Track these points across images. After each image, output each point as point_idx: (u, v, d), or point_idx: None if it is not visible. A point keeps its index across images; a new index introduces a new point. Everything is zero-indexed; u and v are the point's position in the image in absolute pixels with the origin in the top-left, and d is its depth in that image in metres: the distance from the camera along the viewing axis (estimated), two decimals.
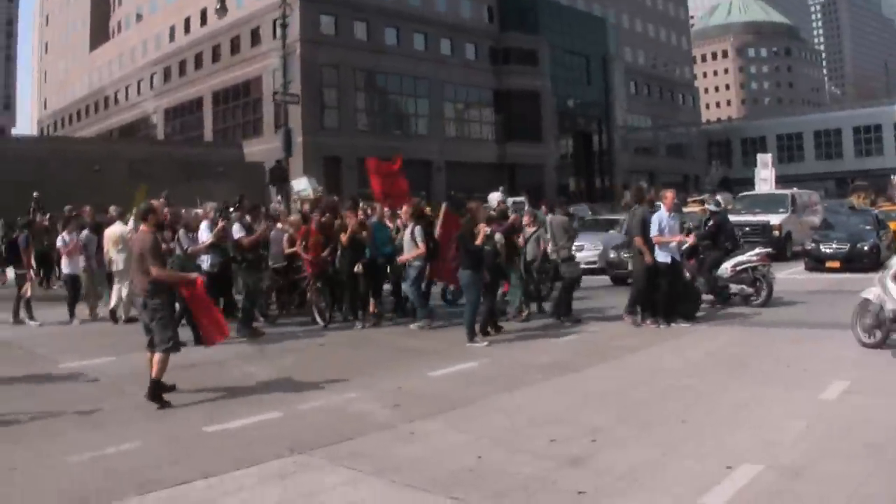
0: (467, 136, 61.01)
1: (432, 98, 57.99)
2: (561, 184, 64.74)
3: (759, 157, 38.34)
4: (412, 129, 57.40)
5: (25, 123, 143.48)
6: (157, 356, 8.30)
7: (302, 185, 24.70)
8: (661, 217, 12.71)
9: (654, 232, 12.58)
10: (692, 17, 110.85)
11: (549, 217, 15.00)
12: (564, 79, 66.49)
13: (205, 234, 13.19)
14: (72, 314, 15.15)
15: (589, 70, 71.08)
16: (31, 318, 15.28)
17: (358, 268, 13.50)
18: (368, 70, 54.16)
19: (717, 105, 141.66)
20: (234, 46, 57.04)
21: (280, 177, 27.95)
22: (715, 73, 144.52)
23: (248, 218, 13.80)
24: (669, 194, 13.19)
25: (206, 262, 13.04)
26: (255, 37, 54.75)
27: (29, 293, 15.47)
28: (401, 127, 56.73)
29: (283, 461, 6.35)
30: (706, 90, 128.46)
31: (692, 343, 11.40)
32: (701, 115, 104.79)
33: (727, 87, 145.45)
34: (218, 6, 32.33)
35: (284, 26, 30.69)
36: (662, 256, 12.60)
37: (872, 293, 10.09)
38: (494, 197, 17.06)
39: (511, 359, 10.66)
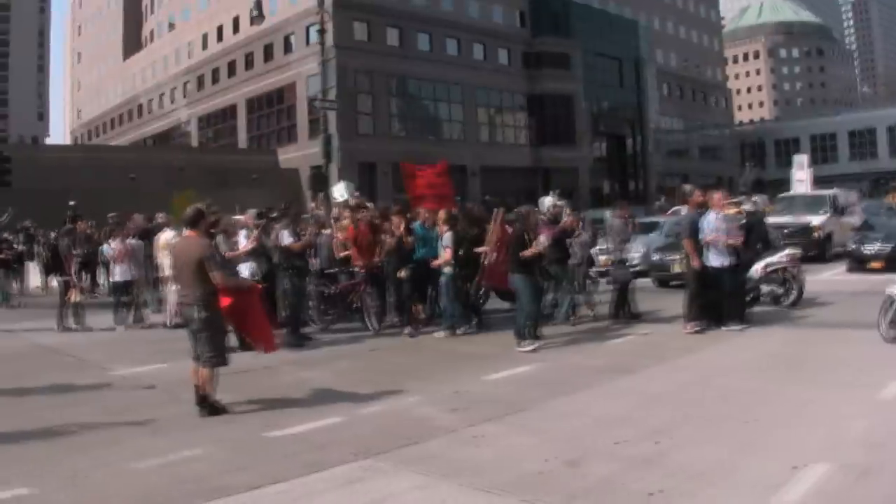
0: (501, 141, 60.88)
1: (465, 103, 57.92)
2: (594, 187, 64.37)
3: (795, 158, 37.80)
4: (446, 134, 57.31)
5: (58, 133, 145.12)
6: (204, 371, 7.99)
7: (340, 190, 24.58)
8: (709, 219, 12.40)
9: (705, 234, 12.29)
10: (723, 18, 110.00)
11: (607, 219, 14.85)
12: (597, 82, 66.10)
13: (243, 241, 13.18)
14: (119, 321, 15.25)
15: (621, 73, 70.67)
16: (81, 324, 15.44)
17: (402, 273, 13.31)
18: (401, 76, 54.21)
19: (750, 106, 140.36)
20: (268, 54, 57.26)
21: (320, 183, 27.81)
22: (747, 74, 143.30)
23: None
24: (717, 196, 12.86)
25: (246, 270, 12.76)
26: (288, 44, 55.04)
27: (74, 298, 15.57)
28: (434, 132, 56.65)
29: (351, 466, 6.30)
30: (738, 91, 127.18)
31: (745, 344, 11.26)
32: (733, 116, 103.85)
33: (759, 88, 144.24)
34: (254, 13, 32.22)
35: (323, 32, 30.56)
36: (714, 260, 12.28)
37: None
38: (547, 201, 16.69)
39: (565, 362, 10.59)
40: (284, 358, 11.07)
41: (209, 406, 7.99)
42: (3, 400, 9.05)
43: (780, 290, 14.53)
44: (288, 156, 53.43)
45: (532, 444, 6.75)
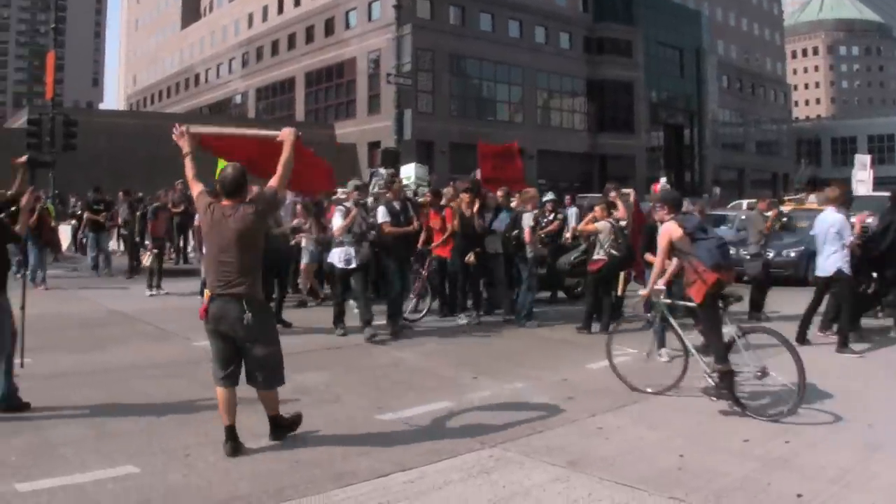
0: (559, 126, 60.31)
1: (525, 86, 57.46)
2: (650, 177, 63.64)
3: (857, 157, 36.82)
4: (504, 116, 56.87)
5: (111, 99, 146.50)
6: (268, 394, 6.12)
7: (409, 171, 23.87)
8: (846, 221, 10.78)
9: (846, 239, 10.61)
10: (783, 11, 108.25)
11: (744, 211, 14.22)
12: (657, 70, 65.32)
13: (339, 221, 11.16)
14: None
15: (682, 62, 69.68)
16: (156, 286, 15.54)
17: (470, 257, 12.24)
18: (462, 55, 53.81)
19: (807, 103, 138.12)
20: (328, 28, 57.22)
21: (392, 159, 27.50)
22: (805, 69, 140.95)
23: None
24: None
25: (339, 257, 11.18)
26: (350, 19, 54.88)
27: (145, 262, 15.62)
28: (493, 113, 56.25)
29: (478, 454, 6.04)
30: (795, 87, 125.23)
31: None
32: (791, 112, 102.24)
33: (817, 84, 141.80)
34: None
35: (399, 7, 30.32)
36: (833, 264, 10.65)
37: None
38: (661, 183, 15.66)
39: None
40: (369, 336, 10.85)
41: (287, 425, 6.36)
42: (95, 369, 8.75)
43: None
44: (345, 130, 53.38)
45: (660, 438, 6.54)
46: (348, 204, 11.35)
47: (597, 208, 12.25)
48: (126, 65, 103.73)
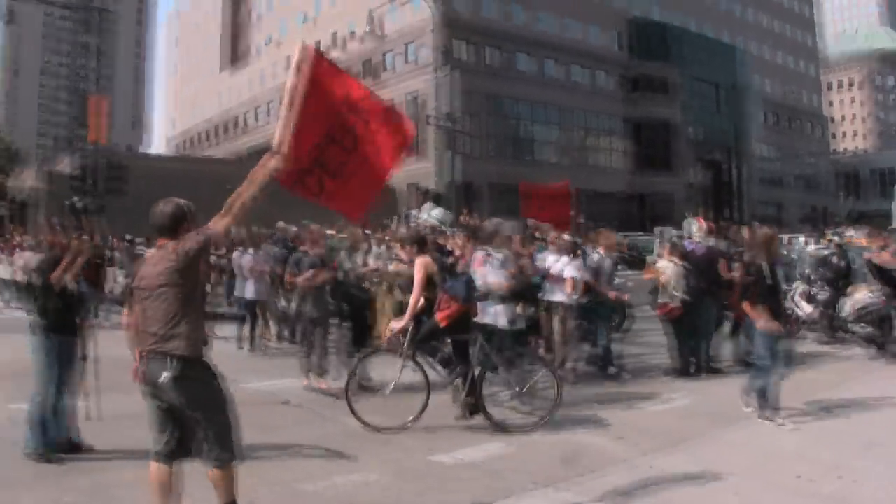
0: (597, 165, 60.32)
1: (563, 125, 57.71)
2: (687, 214, 63.25)
3: None
4: (542, 155, 56.96)
5: (152, 142, 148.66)
6: (218, 474, 4.92)
7: (433, 214, 23.80)
8: None
9: None
10: (818, 44, 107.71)
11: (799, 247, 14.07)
12: (695, 107, 65.22)
13: (497, 272, 9.55)
14: (245, 339, 13.70)
15: (719, 98, 69.48)
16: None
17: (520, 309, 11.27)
18: (500, 96, 54.15)
19: (844, 135, 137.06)
20: (367, 70, 57.69)
21: (436, 200, 27.65)
22: (842, 102, 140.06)
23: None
24: None
25: (501, 316, 9.54)
26: (388, 61, 55.37)
27: None
28: (532, 153, 56.42)
29: (533, 495, 6.10)
30: (832, 119, 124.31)
31: None
32: (829, 145, 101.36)
33: (854, 116, 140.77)
34: (367, 30, 32.69)
35: (443, 52, 30.75)
36: None
37: None
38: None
39: (711, 393, 10.18)
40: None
41: None
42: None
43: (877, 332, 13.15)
44: None
45: (714, 476, 6.60)
46: (499, 252, 9.79)
47: (664, 249, 12.17)
48: (167, 108, 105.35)
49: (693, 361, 11.35)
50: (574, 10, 59.14)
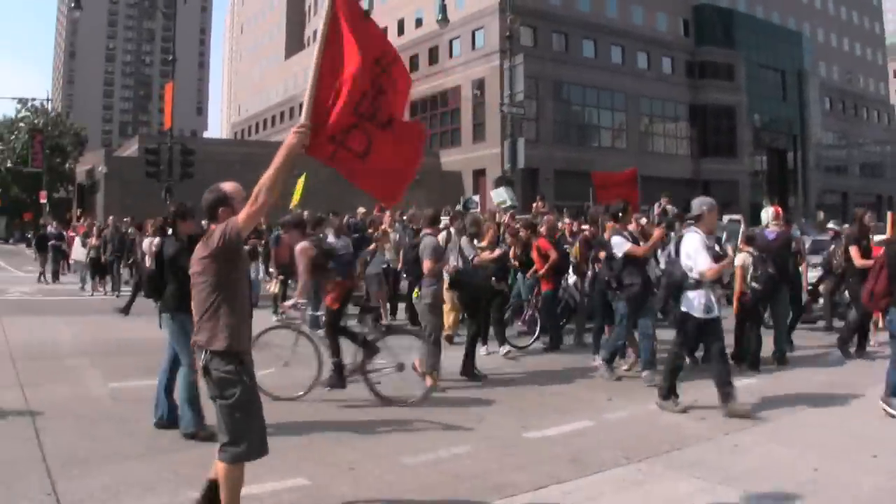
0: (662, 151, 60.37)
1: (628, 111, 57.73)
2: (754, 201, 62.93)
3: None
4: (606, 142, 57.23)
5: (215, 128, 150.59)
6: (223, 468, 4.75)
7: (501, 196, 24.36)
8: None
9: None
10: (885, 30, 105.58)
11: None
12: (759, 94, 64.61)
13: (706, 254, 8.53)
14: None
15: (784, 85, 68.73)
16: (275, 312, 14.80)
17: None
18: (565, 82, 54.36)
19: None
20: (432, 56, 58.37)
21: (509, 183, 28.12)
22: None
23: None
24: None
25: (699, 303, 8.56)
26: (453, 47, 55.86)
27: (271, 289, 16.30)
28: (596, 140, 56.76)
29: (626, 469, 6.41)
30: None
31: None
32: (894, 133, 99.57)
33: None
34: (439, 17, 33.22)
35: (510, 38, 31.23)
36: None
37: None
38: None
39: (784, 377, 10.58)
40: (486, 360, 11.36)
41: None
42: None
43: None
44: (450, 158, 54.33)
45: (792, 454, 6.85)
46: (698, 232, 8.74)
47: (740, 241, 12.37)
48: (230, 94, 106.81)
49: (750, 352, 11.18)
50: None
